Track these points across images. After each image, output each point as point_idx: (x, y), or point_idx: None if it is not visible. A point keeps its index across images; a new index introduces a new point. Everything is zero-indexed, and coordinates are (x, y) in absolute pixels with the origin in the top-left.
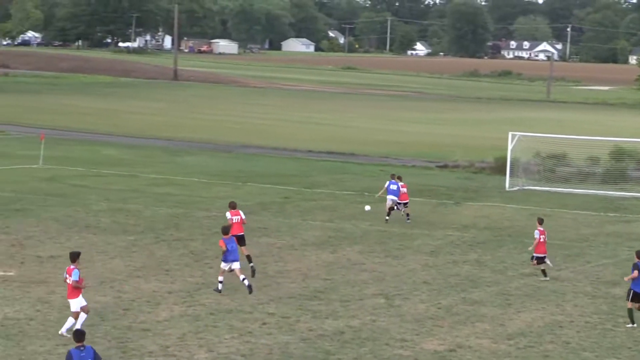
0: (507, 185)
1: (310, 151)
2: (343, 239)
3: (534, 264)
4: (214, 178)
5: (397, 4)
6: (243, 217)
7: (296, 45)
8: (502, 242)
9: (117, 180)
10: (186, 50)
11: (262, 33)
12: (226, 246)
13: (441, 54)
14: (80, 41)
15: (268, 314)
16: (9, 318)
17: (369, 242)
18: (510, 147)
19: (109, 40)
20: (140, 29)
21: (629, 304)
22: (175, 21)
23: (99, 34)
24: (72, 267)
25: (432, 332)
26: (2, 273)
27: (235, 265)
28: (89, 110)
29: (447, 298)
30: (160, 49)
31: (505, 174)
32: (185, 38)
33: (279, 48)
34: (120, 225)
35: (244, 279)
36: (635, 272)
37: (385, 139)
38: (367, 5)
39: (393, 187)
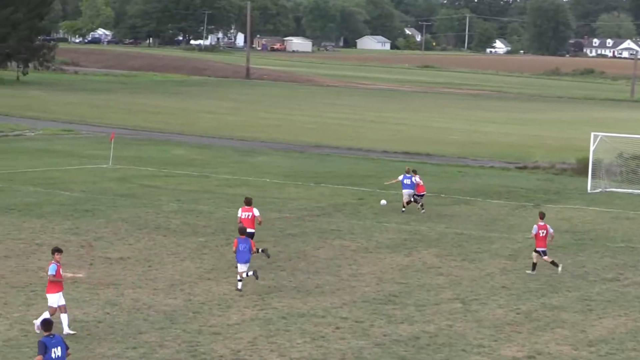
0: (589, 187)
1: (385, 151)
2: (418, 241)
3: (535, 257)
4: (286, 179)
5: (475, 0)
6: (257, 214)
7: (371, 43)
8: (584, 246)
9: (188, 180)
10: (259, 48)
11: (337, 30)
12: (238, 246)
13: (521, 52)
14: (151, 39)
15: (341, 318)
16: (78, 320)
17: (445, 244)
18: (592, 148)
19: (180, 38)
20: (212, 27)
21: None
22: (248, 18)
23: (170, 32)
24: (53, 261)
25: (510, 338)
26: (70, 275)
27: (241, 268)
28: (160, 109)
29: (527, 303)
30: (232, 46)
31: (587, 176)
32: (258, 36)
33: (353, 46)
34: (191, 226)
35: (245, 275)
36: None
37: (462, 139)
38: (445, 2)
39: (407, 181)
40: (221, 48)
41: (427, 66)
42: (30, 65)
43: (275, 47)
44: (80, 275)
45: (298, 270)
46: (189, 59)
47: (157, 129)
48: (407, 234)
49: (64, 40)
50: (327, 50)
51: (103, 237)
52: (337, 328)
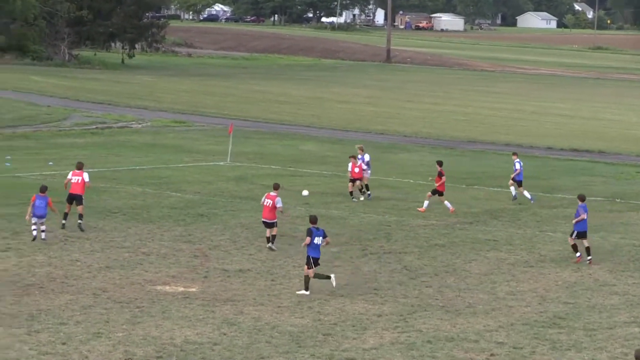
0: None
1: (549, 148)
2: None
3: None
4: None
5: None
6: (279, 205)
7: (534, 21)
8: None
9: (318, 181)
10: (401, 27)
11: (494, 6)
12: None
13: None
14: (276, 16)
15: (497, 344)
16: (190, 342)
17: (620, 258)
18: None
19: (310, 15)
20: (347, 2)
21: None
22: None
23: (299, 8)
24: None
25: None
26: (182, 289)
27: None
28: (286, 97)
29: None
30: (370, 25)
31: None
32: (401, 12)
33: (513, 24)
34: None
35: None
36: None
37: None
38: None
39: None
40: (357, 27)
41: (599, 48)
42: (137, 46)
43: (420, 25)
44: (193, 289)
45: (446, 287)
46: (320, 39)
47: (283, 120)
48: None
49: (176, 17)
50: (481, 29)
51: (219, 245)
52: (492, 355)
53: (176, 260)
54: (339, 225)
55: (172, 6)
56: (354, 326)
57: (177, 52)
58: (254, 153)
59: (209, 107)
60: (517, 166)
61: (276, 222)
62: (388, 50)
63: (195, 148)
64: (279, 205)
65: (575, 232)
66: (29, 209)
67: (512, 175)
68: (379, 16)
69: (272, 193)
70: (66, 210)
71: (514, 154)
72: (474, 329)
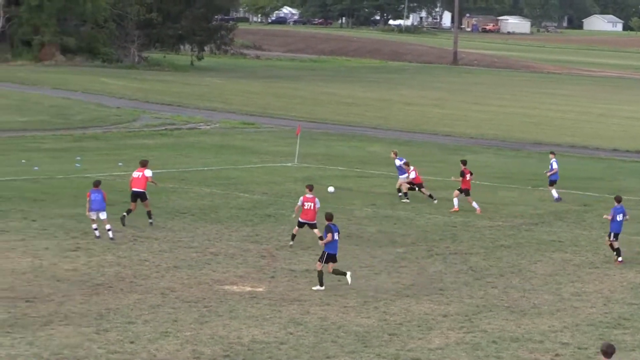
0: None
1: (616, 150)
2: None
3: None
4: (499, 181)
5: None
6: (318, 205)
7: (600, 24)
8: None
9: (385, 182)
10: (468, 29)
11: (560, 9)
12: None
13: None
14: (343, 18)
15: (562, 344)
16: (257, 341)
17: None
18: None
19: (378, 18)
20: (415, 4)
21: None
22: None
23: (366, 10)
24: None
25: None
26: (250, 289)
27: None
28: (353, 99)
29: None
30: (437, 27)
31: None
32: (468, 15)
33: (579, 27)
34: (388, 235)
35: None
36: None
37: None
38: None
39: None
40: (424, 29)
41: None
42: (206, 48)
43: (487, 27)
44: (260, 289)
45: (511, 288)
46: (387, 41)
47: (350, 122)
48: None
49: (245, 20)
50: (548, 31)
51: (286, 246)
52: (557, 355)
53: (244, 260)
54: (405, 226)
55: (241, 9)
56: (419, 326)
57: (245, 55)
58: (321, 154)
59: (277, 108)
60: (554, 165)
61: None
62: (455, 53)
63: (263, 149)
64: (318, 205)
65: (612, 234)
66: (87, 205)
67: (548, 174)
68: (446, 19)
69: (309, 195)
70: (131, 208)
71: (552, 152)
72: (538, 330)
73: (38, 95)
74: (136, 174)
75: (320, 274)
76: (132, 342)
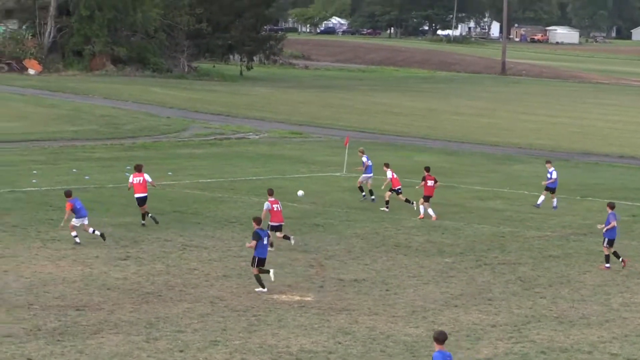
0: None
1: None
2: None
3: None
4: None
5: None
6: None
7: None
8: None
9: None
10: (517, 39)
11: (609, 19)
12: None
13: None
14: (392, 29)
15: (610, 355)
16: (306, 350)
17: None
18: None
19: (426, 28)
20: (463, 14)
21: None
22: (505, 5)
23: (415, 20)
24: None
25: None
26: (298, 298)
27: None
28: (401, 109)
29: None
30: (485, 37)
31: None
32: (516, 25)
33: (628, 37)
34: (436, 245)
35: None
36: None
37: None
38: None
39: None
40: (473, 39)
41: None
42: (255, 58)
43: (535, 38)
44: (309, 298)
45: (560, 298)
46: (436, 51)
47: (398, 132)
48: None
49: (294, 30)
50: (597, 41)
51: (335, 255)
52: None
53: (292, 270)
54: (453, 236)
55: (290, 19)
56: (468, 336)
57: (294, 65)
58: None
59: (325, 118)
60: (554, 175)
61: None
62: (503, 63)
63: (311, 159)
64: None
65: (607, 240)
66: (67, 216)
67: (545, 183)
68: (494, 29)
69: (272, 198)
70: (141, 211)
71: (548, 161)
72: (587, 340)
73: (89, 105)
74: (136, 179)
75: (258, 277)
76: (181, 351)
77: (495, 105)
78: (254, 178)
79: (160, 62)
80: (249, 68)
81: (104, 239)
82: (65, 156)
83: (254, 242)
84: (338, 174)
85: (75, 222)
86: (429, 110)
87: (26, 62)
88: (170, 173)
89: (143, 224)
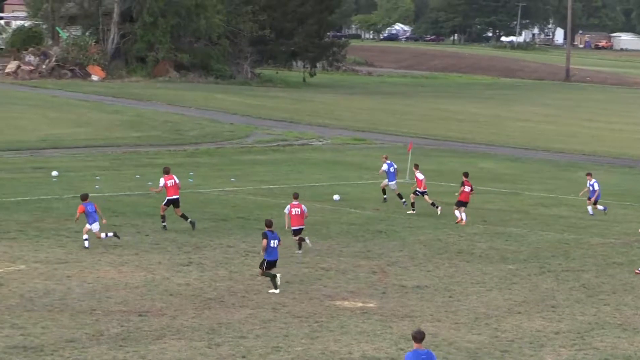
0: None
1: None
2: None
3: None
4: (612, 198)
5: None
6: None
7: None
8: None
9: (496, 198)
10: (581, 46)
11: None
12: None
13: None
14: (456, 35)
15: None
16: (368, 357)
17: None
18: None
19: (490, 34)
20: (527, 21)
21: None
22: (569, 11)
23: (478, 27)
24: None
25: None
26: (361, 304)
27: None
28: (465, 115)
29: None
30: (549, 44)
31: None
32: (580, 31)
33: None
34: (499, 251)
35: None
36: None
37: None
38: None
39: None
40: (536, 46)
41: None
42: (318, 65)
43: (600, 44)
44: (372, 305)
45: (624, 305)
46: (499, 58)
47: (461, 138)
48: None
49: (357, 36)
50: None
51: (398, 262)
52: None
53: (355, 276)
54: (517, 243)
55: (353, 26)
56: (531, 343)
57: (357, 71)
58: (432, 170)
59: (388, 124)
60: (596, 187)
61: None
62: (567, 69)
63: (374, 165)
64: (306, 211)
65: None
66: (78, 217)
67: (593, 198)
68: (558, 35)
69: (295, 202)
70: (162, 213)
71: (588, 174)
72: None
73: (152, 111)
74: (169, 182)
75: (269, 276)
76: (243, 357)
77: (559, 112)
78: (317, 184)
79: (224, 69)
80: (312, 74)
81: (119, 238)
82: (129, 162)
83: (265, 241)
84: (401, 180)
85: (88, 226)
86: (493, 116)
87: (89, 68)
88: (233, 179)
89: (192, 224)
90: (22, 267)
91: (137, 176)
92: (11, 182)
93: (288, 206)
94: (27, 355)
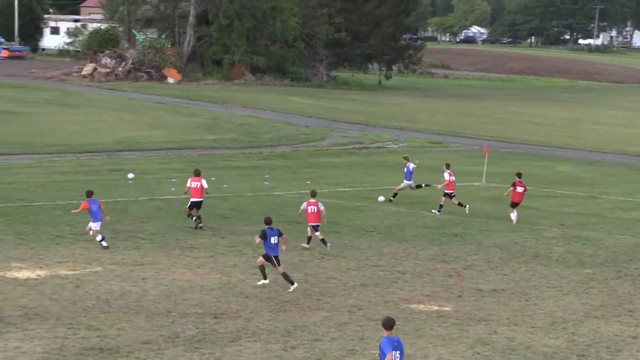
0: None
1: None
2: None
3: None
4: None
5: None
6: (322, 208)
7: None
8: None
9: (574, 202)
10: None
11: None
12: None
13: None
14: (533, 38)
15: None
16: None
17: None
18: None
19: (567, 37)
20: (605, 24)
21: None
22: None
23: (556, 29)
24: None
25: None
26: (437, 308)
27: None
28: (542, 119)
29: None
30: (627, 47)
31: None
32: None
33: None
34: (576, 255)
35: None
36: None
37: None
38: None
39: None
40: (614, 48)
41: None
42: (394, 67)
43: None
44: (447, 308)
45: None
46: (577, 60)
47: (538, 141)
48: None
49: (433, 39)
50: None
51: (474, 265)
52: None
53: (431, 280)
54: (594, 247)
55: (429, 28)
56: (608, 348)
57: (433, 74)
58: (508, 174)
59: (464, 127)
60: None
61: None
62: None
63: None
64: (322, 208)
65: None
66: (80, 211)
67: None
68: (637, 38)
69: (312, 200)
70: (188, 213)
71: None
72: None
73: (228, 113)
74: (194, 184)
75: (262, 269)
76: None
77: (637, 115)
78: (393, 187)
79: (299, 71)
80: (387, 77)
81: (107, 248)
82: (205, 164)
83: (258, 239)
84: (477, 183)
85: (93, 226)
86: (570, 120)
87: (165, 71)
88: (308, 182)
89: (200, 226)
90: (99, 268)
91: (213, 178)
92: (87, 184)
93: (304, 203)
94: (103, 357)
